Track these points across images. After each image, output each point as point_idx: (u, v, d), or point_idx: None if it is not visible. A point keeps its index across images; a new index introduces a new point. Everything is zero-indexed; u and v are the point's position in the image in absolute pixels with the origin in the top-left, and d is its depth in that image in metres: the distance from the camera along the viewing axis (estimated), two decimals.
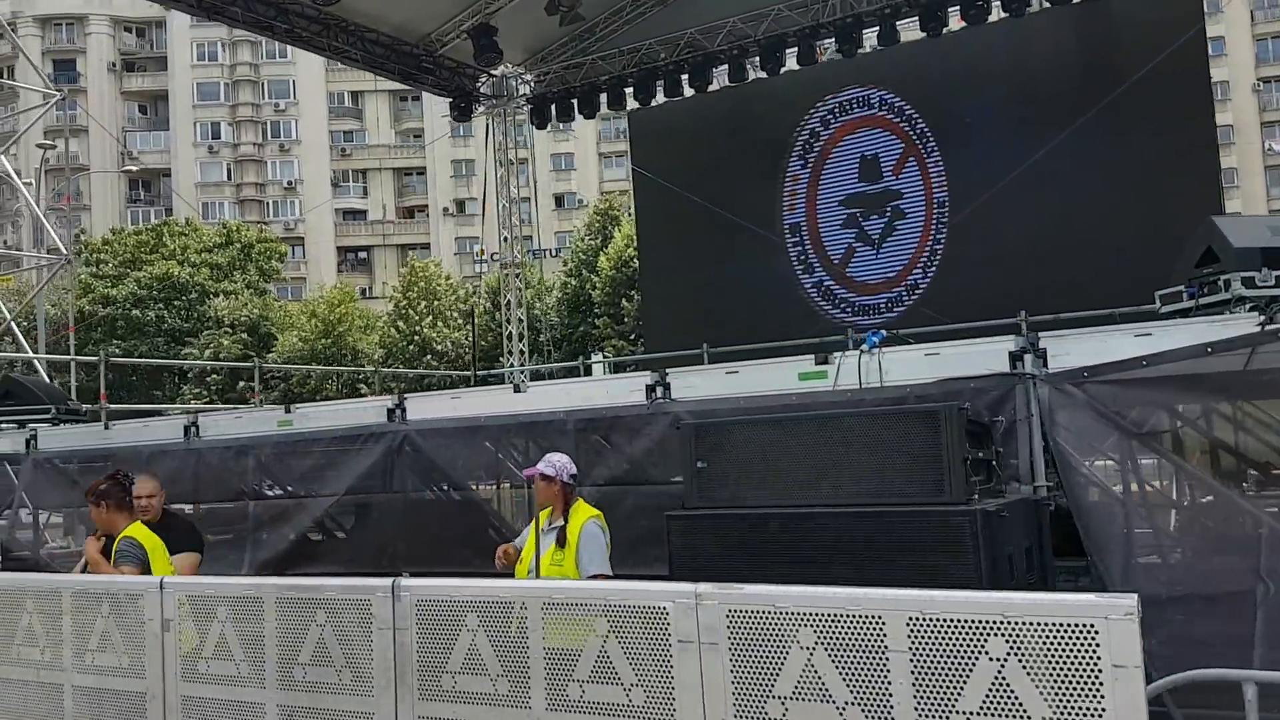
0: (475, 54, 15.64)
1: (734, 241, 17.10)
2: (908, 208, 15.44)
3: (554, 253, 57.79)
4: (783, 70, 15.97)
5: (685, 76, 16.42)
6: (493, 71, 17.62)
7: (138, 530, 6.22)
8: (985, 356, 5.62)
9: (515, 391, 7.32)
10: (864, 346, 5.89)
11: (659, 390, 6.67)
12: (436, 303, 44.36)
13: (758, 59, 15.95)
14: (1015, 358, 5.49)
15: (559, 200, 64.59)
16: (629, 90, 16.92)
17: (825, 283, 16.49)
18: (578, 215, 64.64)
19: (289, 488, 8.48)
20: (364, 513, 8.08)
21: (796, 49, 15.58)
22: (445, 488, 7.82)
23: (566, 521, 5.56)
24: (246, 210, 59.80)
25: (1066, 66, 14.33)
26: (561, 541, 5.48)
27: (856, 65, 16.20)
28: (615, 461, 6.96)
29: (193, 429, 8.68)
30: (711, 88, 16.59)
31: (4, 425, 10.50)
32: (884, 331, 5.96)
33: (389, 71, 16.51)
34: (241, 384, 43.08)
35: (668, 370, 6.72)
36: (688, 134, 17.39)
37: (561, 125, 18.95)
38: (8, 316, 16.93)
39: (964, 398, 5.33)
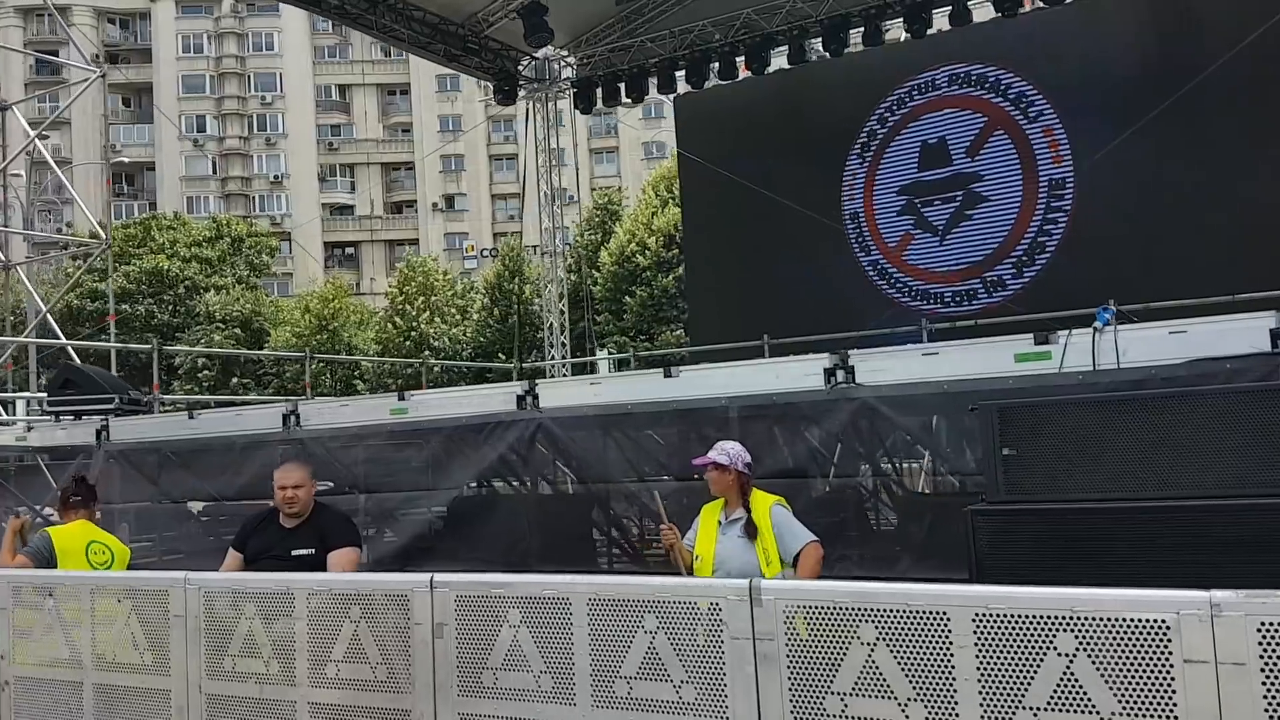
0: (525, 34, 15.06)
1: (786, 230, 16.58)
2: (991, 191, 14.92)
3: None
4: (846, 51, 15.47)
5: (741, 59, 15.88)
6: (535, 54, 17.03)
7: (64, 530, 5.89)
8: (1239, 334, 5.14)
9: (665, 376, 6.77)
10: (1096, 323, 5.39)
11: (840, 374, 6.16)
12: (434, 298, 43.65)
13: (819, 40, 15.43)
14: (1278, 335, 5.03)
15: (550, 196, 63.72)
16: (680, 74, 16.34)
17: (880, 263, 16.00)
18: (568, 211, 64.09)
19: (404, 480, 7.91)
20: (489, 506, 7.52)
21: (862, 29, 15.07)
22: (583, 480, 7.28)
23: (749, 511, 5.05)
24: (232, 205, 58.80)
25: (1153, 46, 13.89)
26: (751, 533, 4.96)
27: (923, 48, 15.68)
28: (788, 452, 6.45)
29: (293, 417, 8.08)
30: (769, 70, 16.05)
31: (62, 415, 9.86)
32: (1114, 307, 5.46)
33: (434, 52, 15.89)
34: (235, 380, 42.27)
35: (849, 352, 6.21)
36: (737, 119, 16.85)
37: (604, 109, 18.15)
38: (42, 306, 16.15)
39: (1218, 379, 4.87)
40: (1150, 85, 13.84)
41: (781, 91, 16.68)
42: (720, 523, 5.08)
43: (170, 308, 43.83)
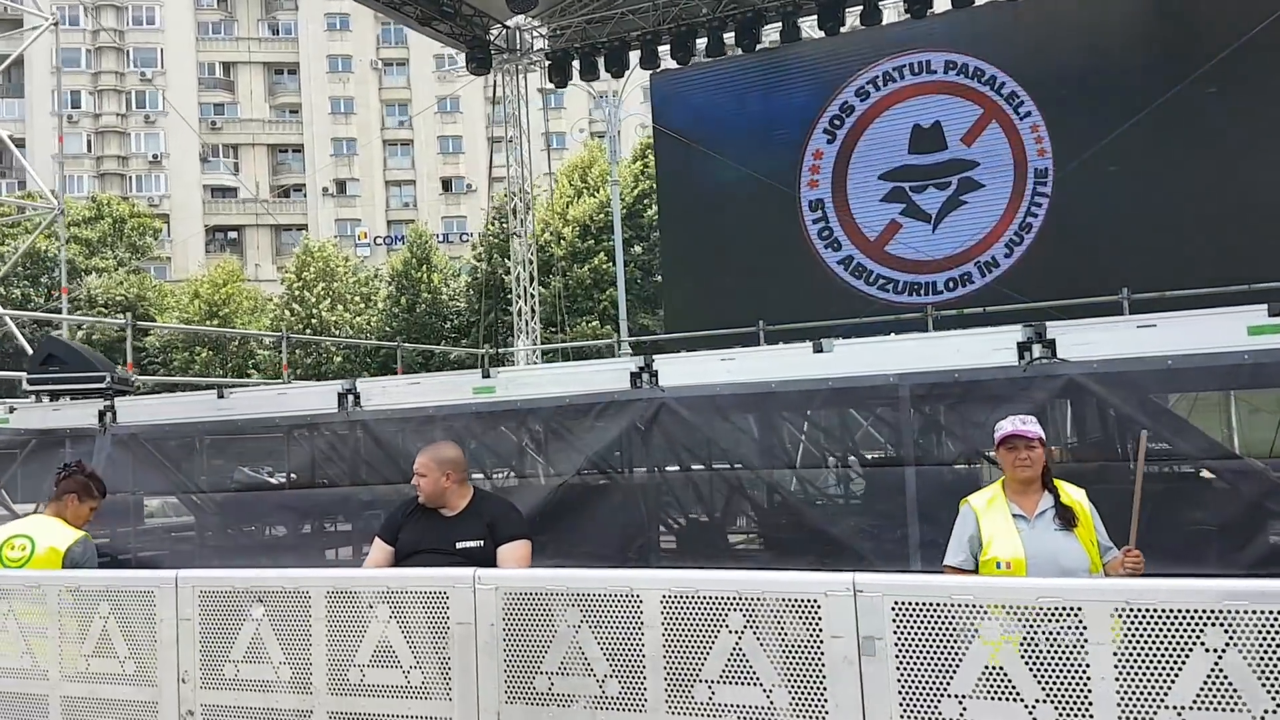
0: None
1: (759, 214, 16.11)
2: (986, 178, 14.71)
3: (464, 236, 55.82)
4: (843, 30, 15.04)
5: (731, 34, 15.29)
6: (506, 23, 16.11)
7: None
8: None
9: (816, 351, 6.10)
10: None
11: (1036, 348, 5.59)
12: (335, 285, 41.92)
13: (814, 19, 14.95)
14: None
15: (446, 184, 62.44)
16: (664, 48, 15.65)
17: (856, 259, 15.66)
18: (465, 201, 62.67)
19: (490, 466, 7.05)
20: (602, 495, 6.72)
21: (860, 7, 14.64)
22: (715, 466, 6.55)
23: (1057, 495, 4.43)
24: (108, 184, 55.62)
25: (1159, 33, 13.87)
26: (1070, 522, 4.34)
27: (909, 31, 15.42)
28: (968, 436, 5.86)
29: (350, 397, 7.13)
30: (760, 46, 15.51)
31: (44, 395, 8.64)
32: None
33: (407, 15, 14.83)
34: (120, 367, 39.80)
35: (1045, 324, 5.65)
36: (713, 98, 16.31)
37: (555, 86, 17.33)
38: None
39: None
40: (1133, 83, 13.88)
41: (757, 71, 16.20)
42: (1014, 514, 4.41)
43: (47, 291, 41.00)
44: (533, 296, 17.02)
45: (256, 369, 40.24)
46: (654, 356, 6.54)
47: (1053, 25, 14.72)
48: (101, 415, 7.85)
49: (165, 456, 7.60)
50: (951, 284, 15.08)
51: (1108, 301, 13.01)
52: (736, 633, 3.07)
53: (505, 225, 42.10)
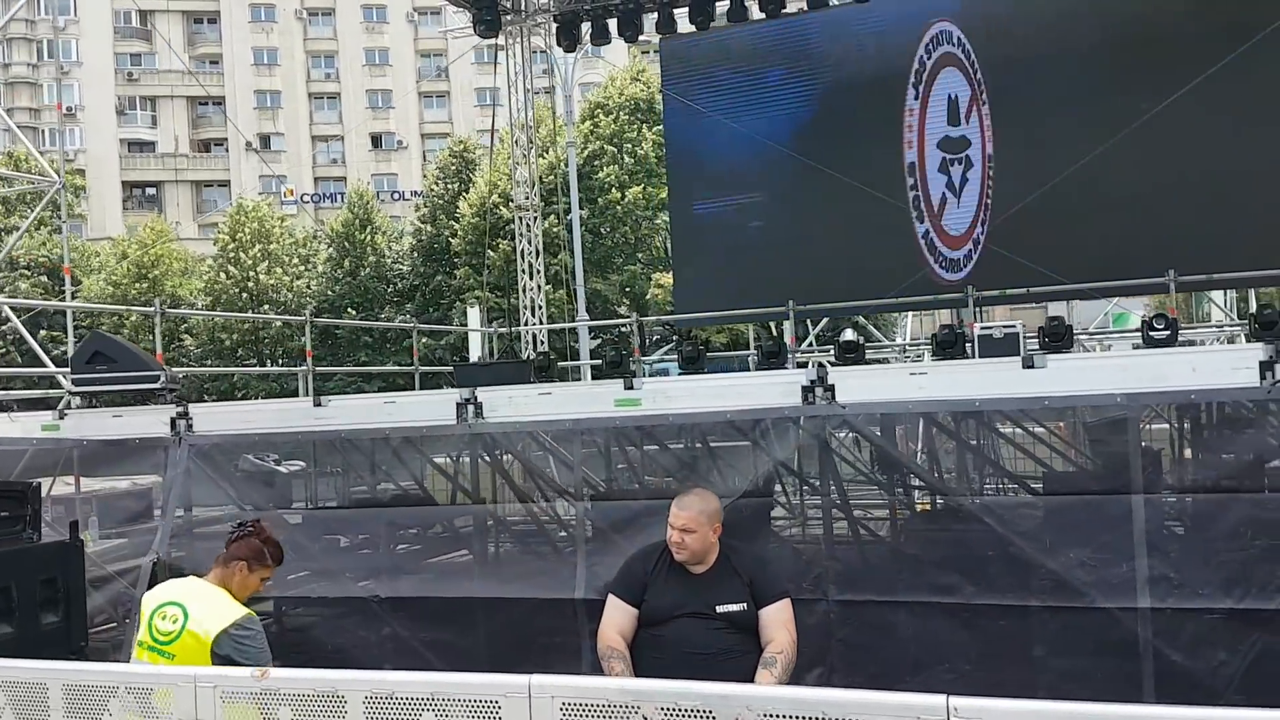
0: None
1: (779, 187, 15.54)
2: (975, 156, 14.42)
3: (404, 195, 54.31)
4: None
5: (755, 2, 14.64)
6: None
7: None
8: None
9: (1025, 367, 5.62)
10: None
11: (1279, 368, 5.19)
12: (272, 247, 40.32)
13: None
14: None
15: (375, 140, 60.69)
16: (682, 11, 14.92)
17: (930, 234, 15.13)
18: (396, 157, 60.96)
19: (638, 486, 6.46)
20: (763, 523, 6.18)
21: None
22: (905, 491, 6.06)
23: None
24: (17, 138, 52.60)
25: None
26: None
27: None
28: (1210, 459, 5.46)
29: (470, 407, 6.45)
30: (786, 11, 14.85)
31: (95, 395, 7.78)
32: None
33: None
34: (42, 332, 37.77)
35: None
36: (729, 64, 15.63)
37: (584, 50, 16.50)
38: None
39: None
40: (1083, 65, 13.70)
41: (782, 35, 15.56)
42: None
43: None
44: (538, 273, 16.22)
45: (190, 334, 38.66)
46: (828, 369, 6.01)
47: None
48: (174, 423, 7.05)
49: (255, 470, 6.86)
50: (966, 259, 14.80)
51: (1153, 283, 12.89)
52: None
53: (449, 184, 41.12)
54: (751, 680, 4.01)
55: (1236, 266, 12.95)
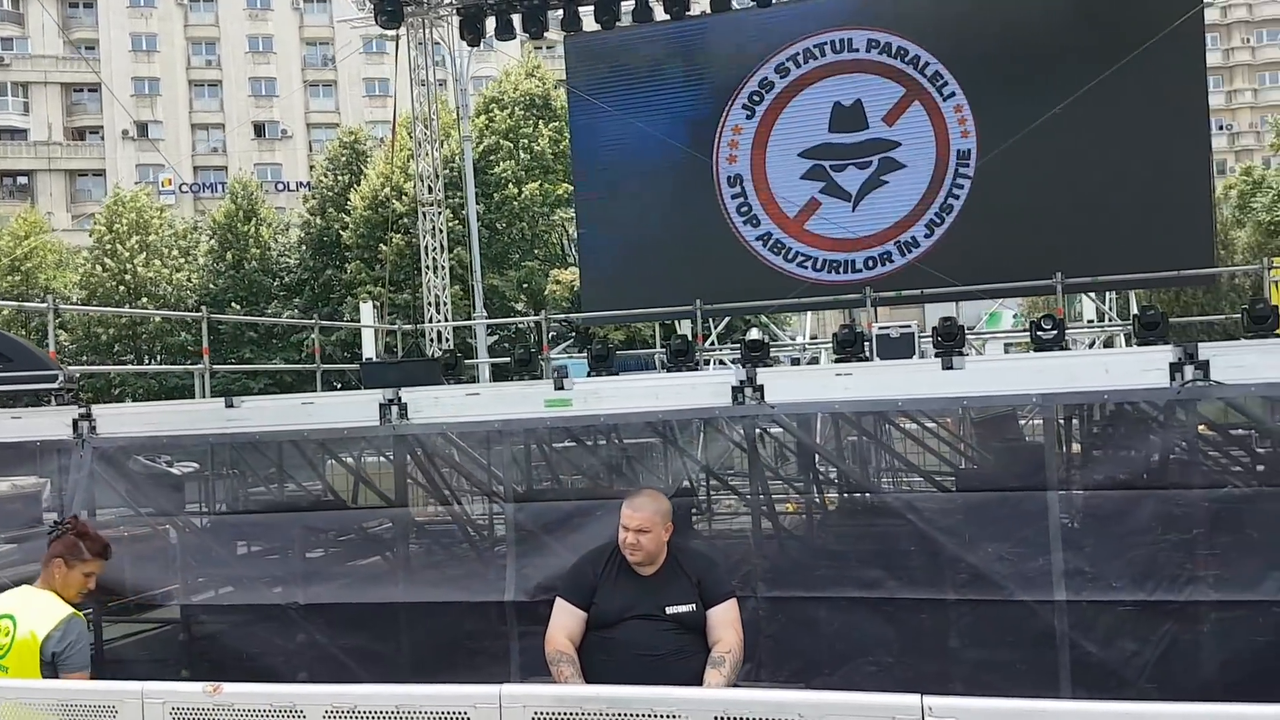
0: None
1: (679, 186, 15.72)
2: (908, 158, 14.71)
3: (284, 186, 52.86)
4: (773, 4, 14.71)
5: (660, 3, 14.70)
6: None
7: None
8: None
9: (945, 368, 5.77)
10: None
11: (1189, 370, 5.44)
12: (150, 238, 38.93)
13: None
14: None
15: (259, 129, 59.10)
16: (588, 9, 14.89)
17: (775, 235, 15.48)
18: (280, 147, 59.42)
19: (568, 487, 6.44)
20: (683, 522, 6.22)
21: None
22: (833, 490, 6.16)
23: None
24: None
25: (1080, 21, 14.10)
26: None
27: (836, 5, 15.27)
28: (1120, 460, 5.68)
29: (394, 407, 6.34)
30: (690, 13, 14.96)
31: None
32: None
33: None
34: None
35: (1197, 344, 5.49)
36: (632, 63, 15.71)
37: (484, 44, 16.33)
38: None
39: None
40: (1060, 66, 14.07)
41: (678, 40, 15.70)
42: None
43: None
44: (442, 268, 15.97)
45: (64, 329, 37.02)
46: (757, 369, 6.07)
47: (978, 5, 14.83)
48: (76, 424, 6.75)
49: (154, 473, 6.62)
50: (871, 263, 15.09)
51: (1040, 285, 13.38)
52: None
53: (339, 176, 40.23)
54: (700, 680, 4.04)
55: (1116, 270, 13.53)
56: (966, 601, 5.70)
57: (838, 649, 5.88)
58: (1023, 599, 5.56)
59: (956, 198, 14.72)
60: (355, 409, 6.49)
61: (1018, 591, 5.59)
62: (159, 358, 37.03)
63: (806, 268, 15.37)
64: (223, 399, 6.65)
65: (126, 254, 37.92)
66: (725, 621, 4.26)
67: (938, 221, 14.79)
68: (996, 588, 5.61)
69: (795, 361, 16.80)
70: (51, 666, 4.08)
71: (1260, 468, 5.92)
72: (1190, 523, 5.45)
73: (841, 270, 15.25)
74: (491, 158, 37.44)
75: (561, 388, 6.27)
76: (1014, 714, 2.66)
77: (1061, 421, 5.66)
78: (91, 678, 4.17)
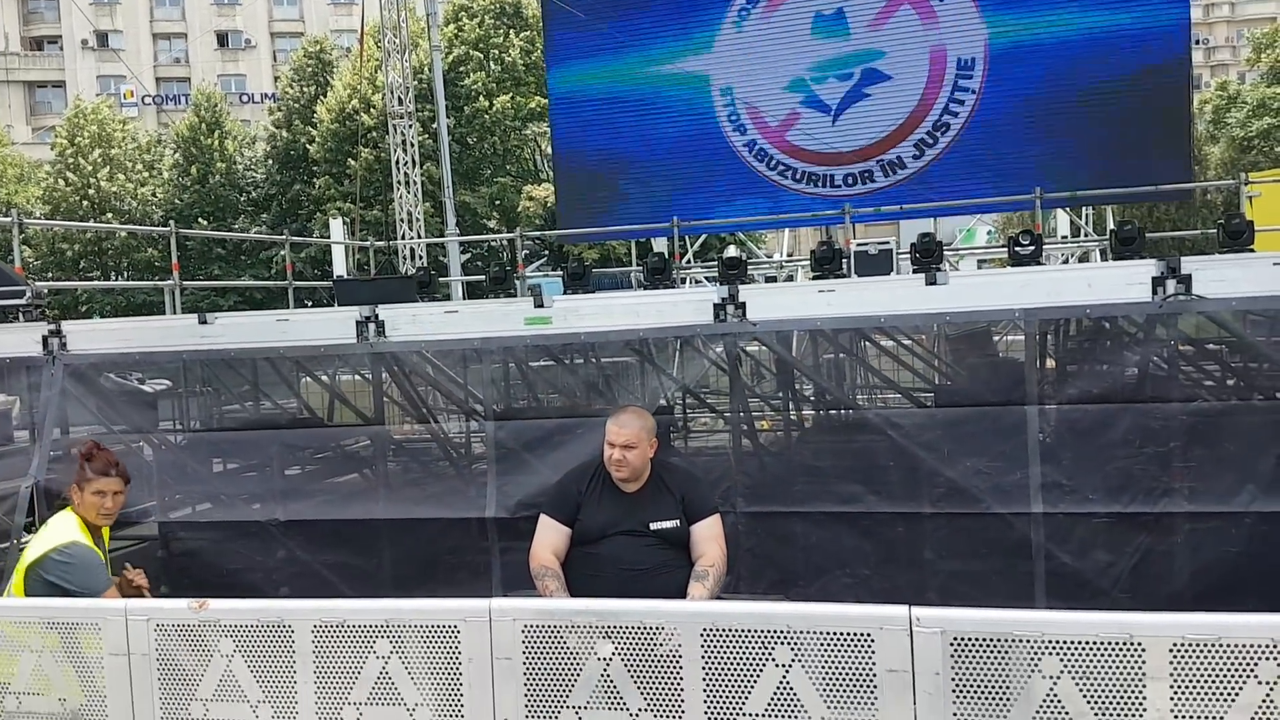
0: None
1: (664, 98, 15.45)
2: (894, 68, 14.42)
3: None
4: None
5: None
6: None
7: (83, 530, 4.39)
8: None
9: (929, 284, 5.74)
10: None
11: (1170, 284, 5.44)
12: (113, 151, 38.14)
13: None
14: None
15: (221, 39, 57.65)
16: None
17: (759, 144, 15.27)
18: (244, 57, 58.05)
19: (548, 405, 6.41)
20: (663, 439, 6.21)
21: None
22: (809, 405, 6.16)
23: None
24: None
25: None
26: None
27: None
28: (1099, 374, 5.70)
29: (371, 325, 6.28)
30: None
31: None
32: None
33: None
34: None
35: (1180, 257, 5.49)
36: None
37: None
38: None
39: None
40: None
41: None
42: None
43: None
44: (415, 183, 15.70)
45: (29, 245, 36.38)
46: (739, 287, 6.03)
47: None
48: (46, 341, 6.64)
49: (133, 395, 6.54)
50: (850, 179, 14.95)
51: (1020, 200, 13.35)
52: None
53: (305, 88, 39.35)
54: (683, 594, 4.07)
55: (1095, 185, 13.50)
56: (943, 515, 5.75)
57: (815, 562, 5.94)
58: (999, 512, 5.63)
59: (955, 114, 14.45)
60: (332, 326, 6.41)
61: (995, 505, 5.65)
62: (126, 274, 36.55)
63: (787, 178, 15.19)
64: (196, 315, 6.55)
65: (89, 168, 37.20)
66: (709, 536, 4.28)
67: (929, 141, 14.57)
68: (974, 501, 5.67)
69: (771, 279, 16.71)
70: (45, 586, 4.09)
71: (1237, 383, 5.96)
72: (1167, 436, 5.50)
73: (820, 184, 15.09)
74: (461, 69, 36.75)
75: (541, 305, 6.21)
76: (1000, 624, 2.68)
77: (1038, 337, 5.65)
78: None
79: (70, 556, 4.17)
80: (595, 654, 2.84)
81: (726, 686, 2.81)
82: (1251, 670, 2.57)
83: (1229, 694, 2.58)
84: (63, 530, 4.33)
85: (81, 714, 3.17)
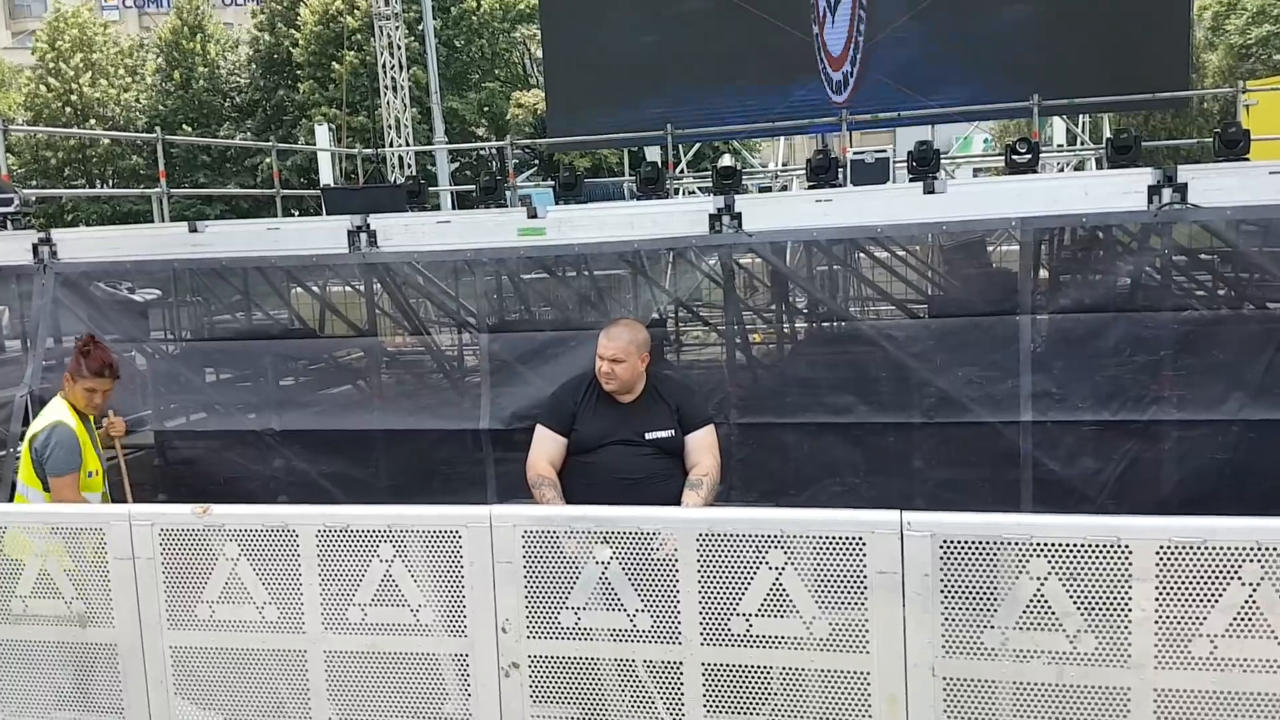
0: None
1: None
2: None
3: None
4: None
5: None
6: None
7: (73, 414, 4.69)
8: None
9: (926, 192, 5.72)
10: None
11: (1166, 192, 5.43)
12: (95, 56, 37.35)
13: None
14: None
15: None
16: None
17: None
18: None
19: (542, 317, 6.42)
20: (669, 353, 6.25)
21: None
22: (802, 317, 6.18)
23: None
24: None
25: None
26: None
27: None
28: (1091, 284, 5.71)
29: (363, 235, 6.24)
30: None
31: None
32: None
33: None
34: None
35: (1175, 167, 5.47)
36: None
37: None
38: None
39: None
40: None
41: None
42: None
43: None
44: (402, 88, 15.43)
45: (12, 152, 35.86)
46: (734, 197, 5.99)
47: None
48: (36, 249, 6.60)
49: (119, 299, 6.53)
50: (843, 83, 14.74)
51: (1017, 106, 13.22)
52: None
53: None
54: (679, 502, 4.12)
55: (1093, 91, 13.36)
56: (933, 424, 5.81)
57: (806, 472, 6.02)
58: (989, 421, 5.69)
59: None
60: (323, 235, 6.38)
61: (985, 414, 5.71)
62: (110, 182, 36.11)
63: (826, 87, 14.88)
64: (186, 224, 6.50)
65: (71, 73, 36.44)
66: (703, 446, 4.32)
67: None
68: (964, 410, 5.73)
69: (766, 189, 16.58)
70: (40, 466, 4.47)
71: (1228, 292, 5.98)
72: (1158, 345, 5.55)
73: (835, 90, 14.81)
74: None
75: (535, 215, 6.18)
76: (988, 527, 2.74)
77: (1032, 247, 5.65)
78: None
79: (51, 435, 4.50)
80: (593, 558, 2.89)
81: (721, 589, 2.88)
82: (1235, 572, 2.63)
83: (1214, 595, 2.65)
84: (52, 412, 4.66)
85: (88, 616, 3.23)
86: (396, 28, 15.76)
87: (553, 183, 9.50)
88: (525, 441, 4.61)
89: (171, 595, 3.16)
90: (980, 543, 2.76)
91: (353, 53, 33.80)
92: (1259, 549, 2.63)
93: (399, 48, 15.77)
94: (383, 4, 15.82)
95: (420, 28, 23.77)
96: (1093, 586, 2.72)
